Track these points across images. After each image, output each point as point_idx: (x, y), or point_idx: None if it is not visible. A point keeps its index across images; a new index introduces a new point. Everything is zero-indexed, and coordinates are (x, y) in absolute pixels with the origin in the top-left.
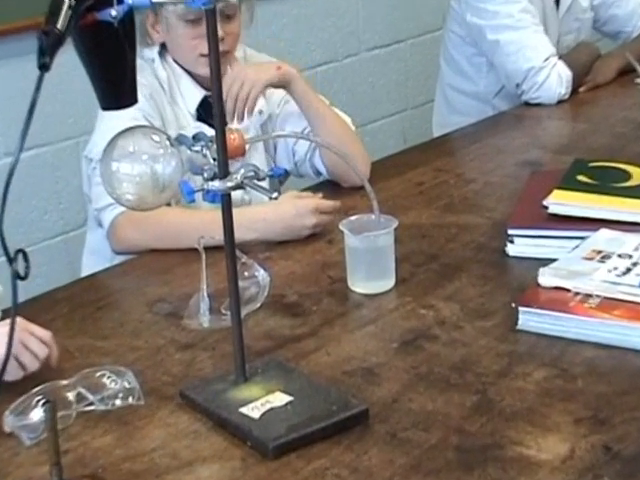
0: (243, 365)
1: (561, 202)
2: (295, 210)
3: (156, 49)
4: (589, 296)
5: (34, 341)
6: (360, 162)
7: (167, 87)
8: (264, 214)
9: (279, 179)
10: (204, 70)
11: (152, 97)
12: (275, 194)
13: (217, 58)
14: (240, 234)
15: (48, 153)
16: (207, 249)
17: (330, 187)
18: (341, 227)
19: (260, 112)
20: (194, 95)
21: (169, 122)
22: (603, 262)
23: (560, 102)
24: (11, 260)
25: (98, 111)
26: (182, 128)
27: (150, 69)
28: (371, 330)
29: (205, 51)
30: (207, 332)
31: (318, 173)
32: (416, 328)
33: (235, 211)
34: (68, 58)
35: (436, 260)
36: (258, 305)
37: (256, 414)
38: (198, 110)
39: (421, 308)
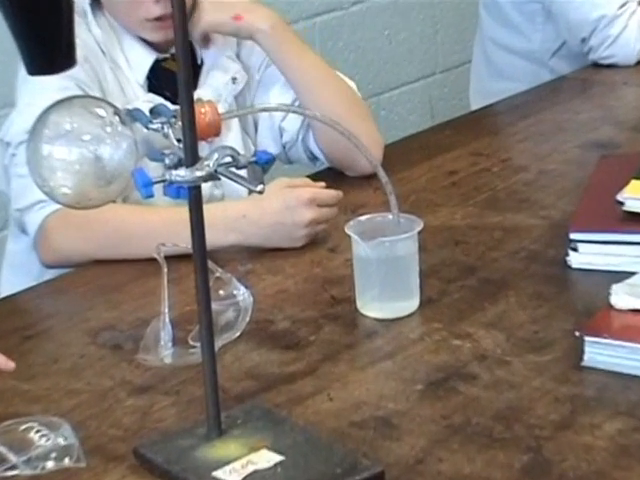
0: (218, 414)
1: None
2: (284, 203)
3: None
4: None
5: None
6: (370, 142)
7: (106, 49)
8: (244, 211)
9: (263, 167)
10: (153, 35)
11: (88, 61)
12: (260, 187)
13: (182, 2)
14: (214, 239)
15: None
16: (169, 259)
17: (331, 177)
18: (347, 230)
19: (234, 79)
20: (142, 59)
21: (112, 94)
22: None
23: None
24: None
25: (16, 80)
26: (129, 102)
27: (84, 24)
28: (388, 367)
29: (150, 15)
30: (169, 370)
31: (314, 158)
32: (448, 365)
33: (206, 208)
34: None
35: (474, 274)
36: (237, 334)
37: (235, 479)
38: (149, 78)
39: (454, 338)
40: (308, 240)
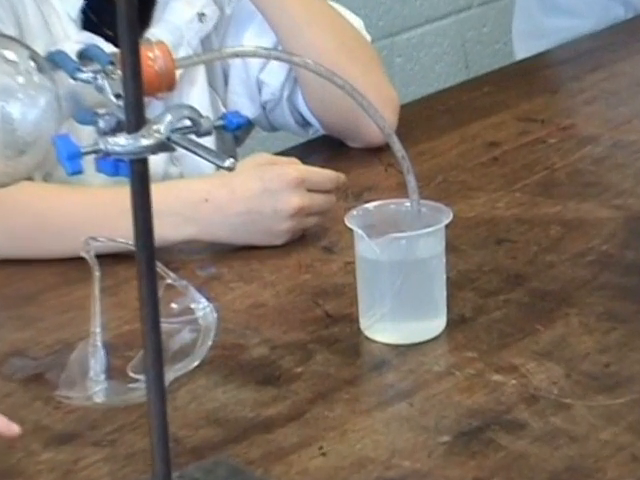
0: (168, 473)
1: None
2: (262, 184)
3: None
4: None
5: None
6: (381, 102)
7: None
8: (206, 193)
9: (235, 134)
10: None
11: None
12: (230, 161)
13: None
14: (164, 231)
15: None
16: (103, 259)
17: (328, 149)
18: (349, 223)
19: (201, 16)
20: None
21: (32, 32)
22: None
23: None
24: None
25: None
26: (55, 43)
27: None
28: (403, 411)
29: None
30: (101, 413)
31: (305, 123)
32: (485, 409)
33: (155, 190)
34: None
35: (522, 285)
36: (196, 363)
37: None
38: (85, 11)
39: (494, 372)
40: (293, 236)
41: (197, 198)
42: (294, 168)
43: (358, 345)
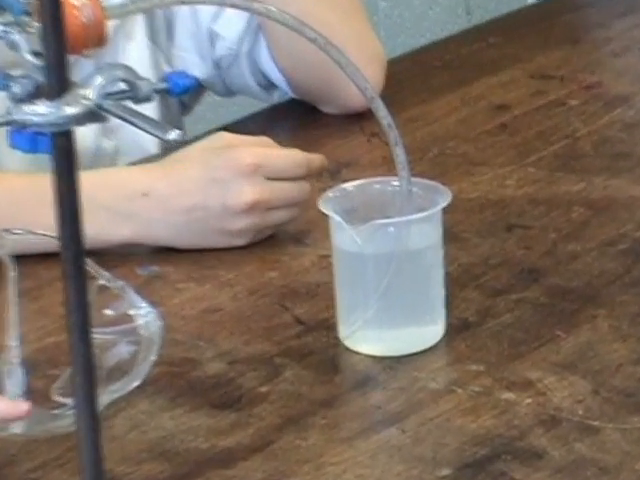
0: None
1: None
2: (210, 172)
3: None
4: None
5: None
6: (363, 56)
7: None
8: (146, 184)
9: (182, 100)
10: None
11: None
12: (175, 133)
13: None
14: (95, 231)
15: None
16: (20, 258)
17: (297, 117)
18: (323, 207)
19: None
20: None
21: None
22: None
23: None
24: None
25: None
26: None
27: None
28: (392, 438)
29: None
30: (20, 445)
31: (269, 85)
32: (493, 434)
33: (85, 176)
34: None
35: (538, 281)
36: (136, 383)
37: None
38: None
39: (505, 389)
40: (256, 236)
41: (133, 191)
42: (250, 152)
43: (337, 358)
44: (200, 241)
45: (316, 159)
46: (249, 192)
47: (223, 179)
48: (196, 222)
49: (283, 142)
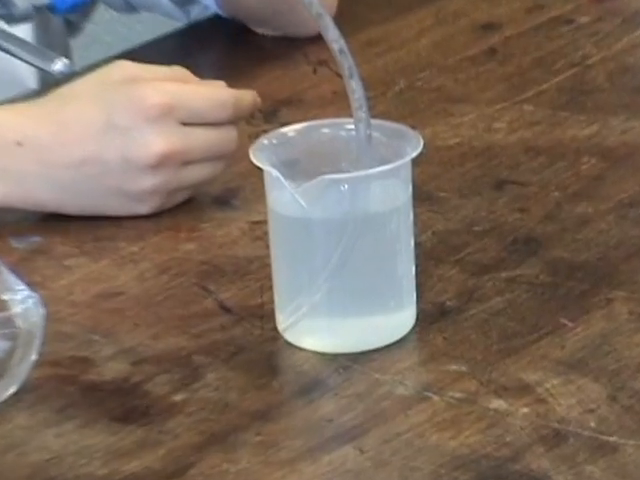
0: None
1: None
2: (107, 118)
3: None
4: None
5: None
6: None
7: None
8: (20, 133)
9: (67, 18)
10: None
11: None
12: (61, 63)
13: None
14: None
15: None
16: None
17: (220, 40)
18: (255, 158)
19: None
20: None
21: None
22: None
23: None
24: None
25: None
26: None
27: None
28: (347, 460)
29: None
30: None
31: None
32: (480, 453)
33: None
34: None
35: (538, 253)
36: (12, 389)
37: None
38: None
39: (493, 394)
40: (166, 201)
41: (3, 140)
42: (158, 88)
43: (275, 356)
44: (93, 205)
45: (246, 96)
46: (157, 142)
47: (123, 125)
48: (87, 180)
49: (203, 74)
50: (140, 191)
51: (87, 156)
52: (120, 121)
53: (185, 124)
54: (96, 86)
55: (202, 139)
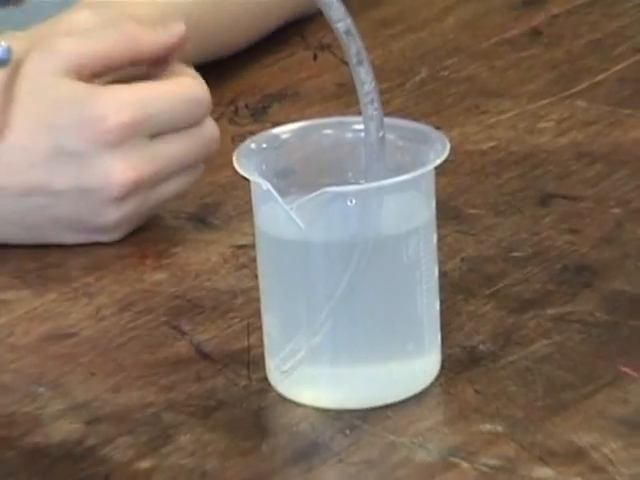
0: None
1: None
2: (60, 141)
3: None
4: None
5: None
6: None
7: None
8: None
9: None
10: None
11: None
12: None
13: None
14: None
15: None
16: None
17: None
18: (240, 167)
19: None
20: None
21: None
22: None
23: None
24: None
25: None
26: None
27: None
28: None
29: None
30: None
31: None
32: None
33: None
34: None
35: (594, 285)
36: None
37: None
38: None
39: (538, 460)
40: (129, 229)
41: None
42: (121, 100)
43: (264, 413)
44: (42, 237)
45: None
46: (122, 170)
47: (75, 150)
48: (34, 211)
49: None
50: (102, 224)
51: (31, 187)
52: (71, 146)
53: (154, 135)
54: (43, 106)
55: (176, 150)
